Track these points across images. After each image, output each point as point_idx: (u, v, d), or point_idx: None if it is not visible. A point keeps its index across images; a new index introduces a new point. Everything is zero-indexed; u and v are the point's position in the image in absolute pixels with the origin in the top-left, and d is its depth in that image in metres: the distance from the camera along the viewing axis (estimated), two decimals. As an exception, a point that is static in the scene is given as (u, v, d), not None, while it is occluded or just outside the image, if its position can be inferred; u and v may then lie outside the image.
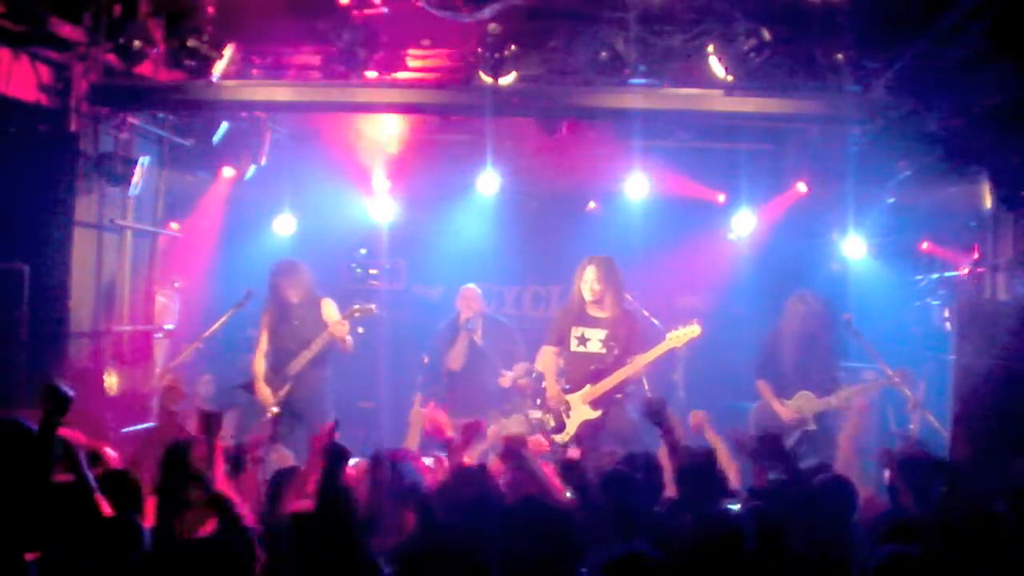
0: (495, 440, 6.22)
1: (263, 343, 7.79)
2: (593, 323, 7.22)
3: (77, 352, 7.13)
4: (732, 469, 5.32)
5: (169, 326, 8.63)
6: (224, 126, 8.09)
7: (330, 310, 7.75)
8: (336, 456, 4.15)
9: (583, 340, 7.22)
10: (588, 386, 7.12)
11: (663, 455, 5.11)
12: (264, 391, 7.66)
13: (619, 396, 7.18)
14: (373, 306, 7.91)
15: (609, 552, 3.45)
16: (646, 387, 7.48)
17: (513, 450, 5.03)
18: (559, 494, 4.83)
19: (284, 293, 7.72)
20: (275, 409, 7.59)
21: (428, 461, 5.58)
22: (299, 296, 7.73)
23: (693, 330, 7.06)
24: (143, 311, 8.31)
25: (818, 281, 8.67)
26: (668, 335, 7.14)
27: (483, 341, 8.39)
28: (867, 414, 6.28)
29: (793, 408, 7.52)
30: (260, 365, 7.76)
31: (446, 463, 5.43)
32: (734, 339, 8.75)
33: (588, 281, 7.19)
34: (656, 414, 5.13)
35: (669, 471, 4.93)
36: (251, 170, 8.79)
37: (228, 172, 8.67)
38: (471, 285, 8.56)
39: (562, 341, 7.31)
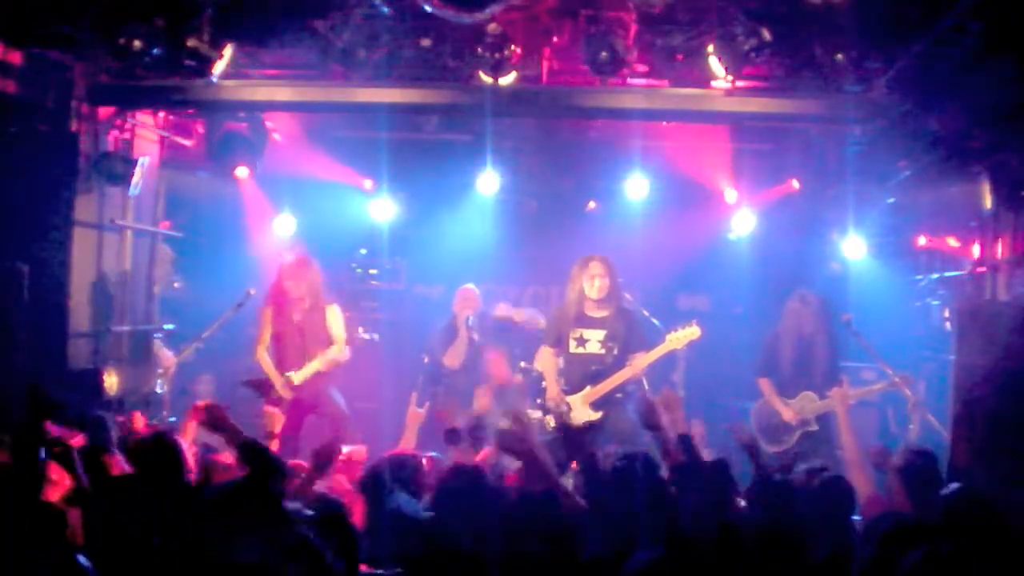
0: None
1: (265, 338, 7.68)
2: (591, 324, 7.21)
3: (77, 352, 7.13)
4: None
5: (169, 326, 8.63)
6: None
7: (335, 321, 7.67)
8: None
9: (582, 341, 7.20)
10: (588, 387, 7.11)
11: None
12: (280, 380, 7.51)
13: (619, 396, 7.17)
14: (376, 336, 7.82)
15: (636, 559, 3.43)
16: (646, 386, 7.47)
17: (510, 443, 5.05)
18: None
19: (290, 291, 7.62)
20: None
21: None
22: (305, 297, 7.63)
23: (693, 332, 7.05)
24: (143, 311, 8.31)
25: (818, 281, 8.68)
26: (668, 336, 7.13)
27: (481, 339, 8.41)
28: (848, 407, 6.27)
29: (795, 408, 7.52)
30: (267, 359, 7.63)
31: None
32: (734, 339, 8.75)
33: (595, 277, 7.11)
34: (649, 419, 5.10)
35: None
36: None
37: (242, 172, 8.63)
38: (469, 285, 8.56)
39: (560, 342, 7.29)
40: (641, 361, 7.05)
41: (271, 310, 7.71)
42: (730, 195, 9.60)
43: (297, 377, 7.47)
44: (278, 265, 7.84)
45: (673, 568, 3.37)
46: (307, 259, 7.79)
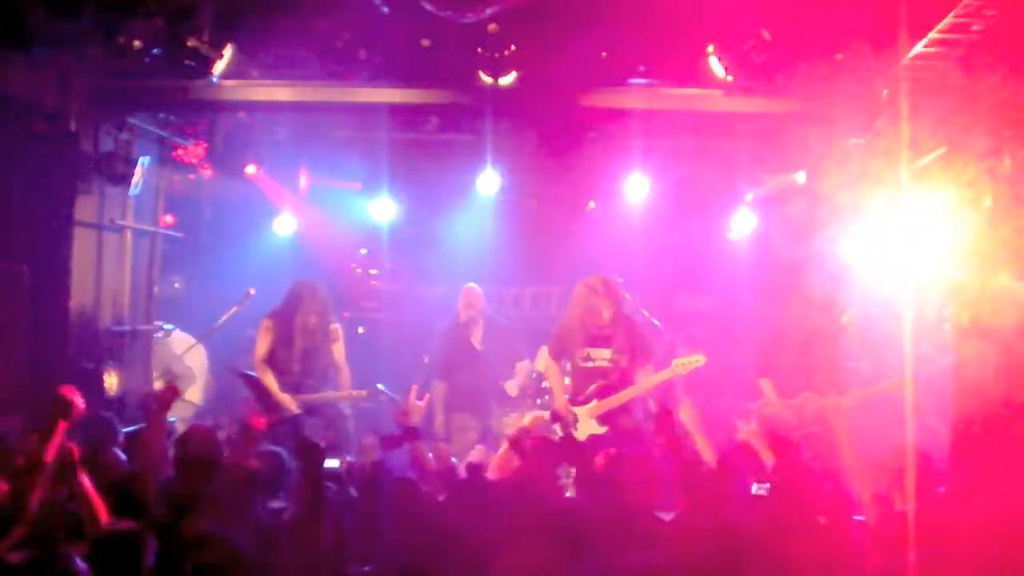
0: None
1: (262, 352, 7.59)
2: (597, 343, 7.21)
3: (77, 352, 7.13)
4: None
5: (169, 326, 8.64)
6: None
7: (339, 348, 7.63)
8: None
9: (589, 358, 7.22)
10: (595, 401, 7.11)
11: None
12: (286, 399, 7.49)
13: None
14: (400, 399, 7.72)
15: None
16: (652, 406, 7.49)
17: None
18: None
19: (300, 317, 7.55)
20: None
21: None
22: (314, 323, 7.56)
23: (698, 359, 7.08)
24: (143, 311, 8.31)
25: (818, 281, 8.66)
26: (674, 361, 7.14)
27: (483, 342, 8.39)
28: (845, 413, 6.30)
29: (796, 408, 7.52)
30: (270, 377, 7.55)
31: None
32: (734, 339, 8.73)
33: (603, 309, 7.09)
34: (663, 426, 5.17)
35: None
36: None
37: (251, 170, 8.60)
38: (472, 284, 8.57)
39: (564, 356, 7.31)
40: (647, 381, 7.09)
41: (272, 324, 7.63)
42: (746, 196, 9.57)
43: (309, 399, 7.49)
44: (293, 289, 7.68)
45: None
46: (315, 284, 7.70)
